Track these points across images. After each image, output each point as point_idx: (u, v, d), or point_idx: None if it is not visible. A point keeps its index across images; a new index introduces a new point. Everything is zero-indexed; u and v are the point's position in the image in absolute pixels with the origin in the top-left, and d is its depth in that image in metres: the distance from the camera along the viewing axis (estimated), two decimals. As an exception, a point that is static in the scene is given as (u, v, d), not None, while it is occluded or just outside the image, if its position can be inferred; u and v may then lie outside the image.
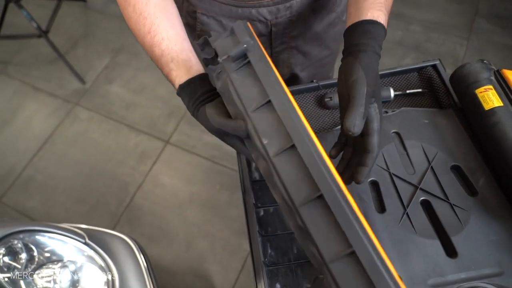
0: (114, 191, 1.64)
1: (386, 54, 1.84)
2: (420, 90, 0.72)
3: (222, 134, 0.50)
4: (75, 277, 0.79)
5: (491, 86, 0.58)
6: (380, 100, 0.49)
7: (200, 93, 0.52)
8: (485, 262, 0.51)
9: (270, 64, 0.46)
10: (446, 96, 0.70)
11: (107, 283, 0.82)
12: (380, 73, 0.75)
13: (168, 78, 0.55)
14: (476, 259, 0.51)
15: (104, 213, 1.60)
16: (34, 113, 1.95)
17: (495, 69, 0.60)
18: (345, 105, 0.47)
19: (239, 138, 0.49)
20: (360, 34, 0.50)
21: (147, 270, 0.90)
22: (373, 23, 0.51)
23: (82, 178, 1.71)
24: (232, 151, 1.63)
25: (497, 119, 0.55)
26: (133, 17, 0.56)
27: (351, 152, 0.53)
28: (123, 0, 0.57)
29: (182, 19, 0.64)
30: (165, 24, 0.55)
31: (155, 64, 0.57)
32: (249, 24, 0.48)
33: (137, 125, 1.81)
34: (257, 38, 0.47)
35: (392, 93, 0.71)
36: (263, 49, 0.46)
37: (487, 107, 0.56)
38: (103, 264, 0.84)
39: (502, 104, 0.56)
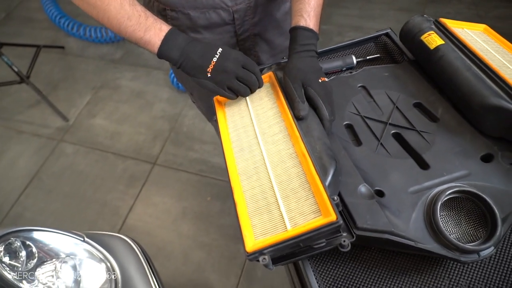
0: (106, 217, 1.64)
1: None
2: (378, 55, 0.83)
3: (242, 69, 0.62)
4: (76, 273, 0.80)
5: (432, 32, 0.68)
6: (312, 81, 0.62)
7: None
8: (454, 168, 0.58)
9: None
10: (400, 55, 0.80)
11: (109, 279, 0.82)
12: (342, 44, 0.85)
13: (155, 22, 0.63)
14: (446, 167, 0.58)
15: (97, 240, 1.58)
16: (18, 154, 1.96)
17: (433, 20, 0.72)
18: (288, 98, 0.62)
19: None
20: (290, 41, 0.66)
21: (148, 265, 0.91)
22: (294, 29, 0.66)
23: (72, 210, 1.70)
24: (220, 162, 1.68)
25: (442, 53, 0.65)
26: None
27: None
28: None
29: None
30: None
31: (132, 20, 0.63)
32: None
33: (123, 152, 1.85)
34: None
35: (354, 60, 0.81)
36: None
37: (432, 47, 0.67)
38: (103, 260, 0.84)
39: (443, 42, 0.66)
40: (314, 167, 0.51)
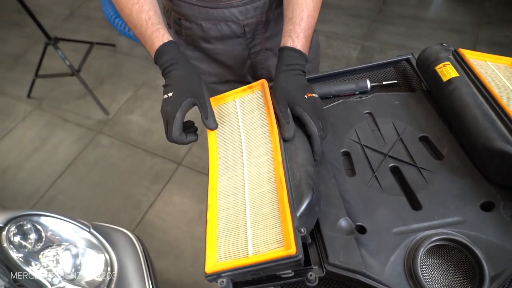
0: (128, 209, 1.72)
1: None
2: (395, 81, 0.79)
3: (189, 100, 0.61)
4: (77, 261, 0.85)
5: (448, 62, 0.64)
6: (300, 99, 0.59)
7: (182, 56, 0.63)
8: (448, 213, 0.53)
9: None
10: (418, 83, 0.76)
11: (105, 270, 0.86)
12: (359, 66, 0.83)
13: (151, 36, 0.65)
14: (439, 210, 0.54)
15: (117, 230, 1.67)
16: (61, 140, 2.12)
17: (453, 49, 0.67)
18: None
19: (183, 119, 0.61)
20: (277, 61, 0.66)
21: (146, 264, 0.94)
22: (281, 49, 0.65)
23: (99, 198, 1.80)
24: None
25: (454, 87, 0.60)
26: None
27: None
28: None
29: (171, 27, 0.77)
30: (149, 1, 0.69)
31: (137, 30, 0.68)
32: None
33: (152, 149, 1.93)
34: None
35: (369, 84, 0.78)
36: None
37: (445, 79, 0.62)
38: (104, 252, 0.89)
39: (458, 75, 0.62)
40: (288, 195, 0.50)
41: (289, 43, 0.64)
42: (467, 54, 0.65)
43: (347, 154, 0.65)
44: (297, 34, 0.65)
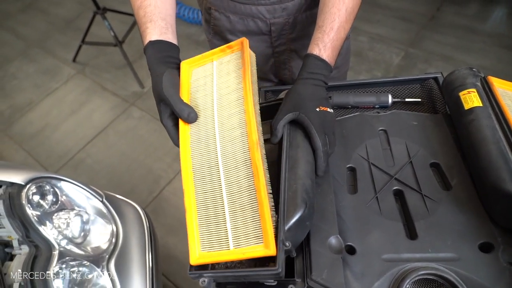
0: (148, 182, 1.79)
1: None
2: (419, 100, 0.76)
3: (162, 106, 0.57)
4: (86, 227, 0.90)
5: (474, 90, 0.60)
6: (308, 109, 0.58)
7: (166, 55, 0.59)
8: (443, 247, 0.51)
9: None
10: (442, 105, 0.73)
11: (110, 240, 0.91)
12: (384, 80, 0.80)
13: (142, 36, 0.63)
14: (435, 243, 0.52)
15: (134, 200, 1.74)
16: (97, 107, 2.22)
17: (482, 76, 0.63)
18: None
19: (174, 121, 0.57)
20: (301, 66, 0.64)
21: (150, 240, 0.98)
22: (306, 56, 0.63)
23: (123, 167, 1.89)
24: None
25: (474, 117, 0.57)
26: None
27: None
28: None
29: (202, 15, 0.76)
30: None
31: (138, 24, 0.66)
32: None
33: (179, 128, 1.98)
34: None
35: (390, 99, 0.75)
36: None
37: (466, 106, 0.59)
38: (112, 223, 0.94)
39: (481, 105, 0.58)
40: (265, 186, 0.49)
41: (315, 51, 0.63)
42: (496, 83, 0.61)
43: (352, 170, 0.64)
44: (324, 44, 0.63)
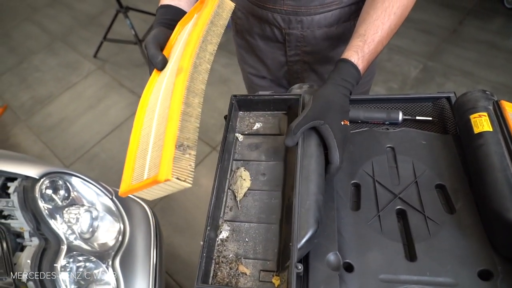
0: (158, 181, 1.82)
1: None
2: (430, 118, 0.75)
3: (148, 60, 0.62)
4: (95, 223, 0.93)
5: (485, 113, 0.60)
6: (334, 121, 0.57)
7: (169, 18, 0.65)
8: (441, 272, 0.51)
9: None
10: (453, 126, 0.72)
11: (117, 238, 0.94)
12: (396, 96, 0.79)
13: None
14: (434, 267, 0.52)
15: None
16: (114, 103, 2.27)
17: (495, 99, 0.62)
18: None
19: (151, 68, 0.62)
20: (333, 69, 0.62)
21: (156, 240, 1.00)
22: (343, 61, 0.62)
23: (135, 164, 1.92)
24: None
25: (483, 142, 0.57)
26: None
27: None
28: None
29: None
30: None
31: None
32: None
33: (192, 129, 2.01)
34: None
35: (401, 116, 0.75)
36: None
37: (476, 130, 0.59)
38: (119, 220, 0.96)
39: (491, 130, 0.58)
40: (177, 112, 0.47)
41: (353, 59, 0.62)
42: (509, 108, 0.60)
43: (357, 186, 0.64)
44: (363, 54, 0.62)
